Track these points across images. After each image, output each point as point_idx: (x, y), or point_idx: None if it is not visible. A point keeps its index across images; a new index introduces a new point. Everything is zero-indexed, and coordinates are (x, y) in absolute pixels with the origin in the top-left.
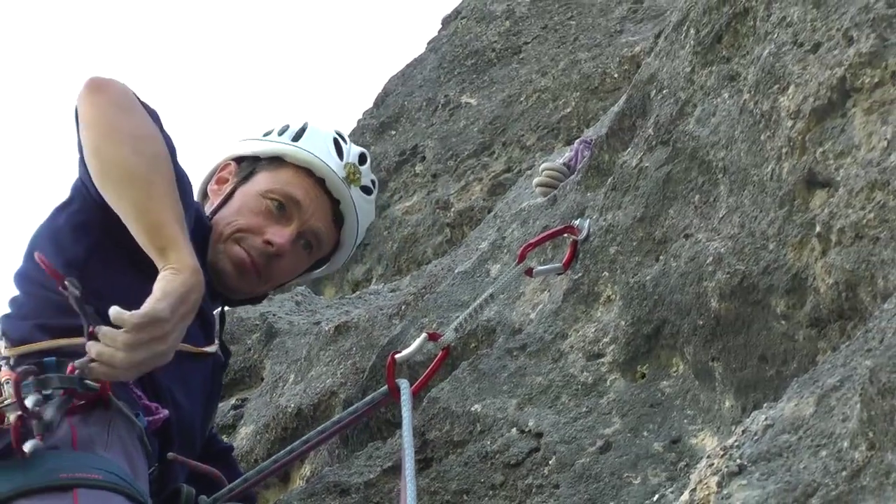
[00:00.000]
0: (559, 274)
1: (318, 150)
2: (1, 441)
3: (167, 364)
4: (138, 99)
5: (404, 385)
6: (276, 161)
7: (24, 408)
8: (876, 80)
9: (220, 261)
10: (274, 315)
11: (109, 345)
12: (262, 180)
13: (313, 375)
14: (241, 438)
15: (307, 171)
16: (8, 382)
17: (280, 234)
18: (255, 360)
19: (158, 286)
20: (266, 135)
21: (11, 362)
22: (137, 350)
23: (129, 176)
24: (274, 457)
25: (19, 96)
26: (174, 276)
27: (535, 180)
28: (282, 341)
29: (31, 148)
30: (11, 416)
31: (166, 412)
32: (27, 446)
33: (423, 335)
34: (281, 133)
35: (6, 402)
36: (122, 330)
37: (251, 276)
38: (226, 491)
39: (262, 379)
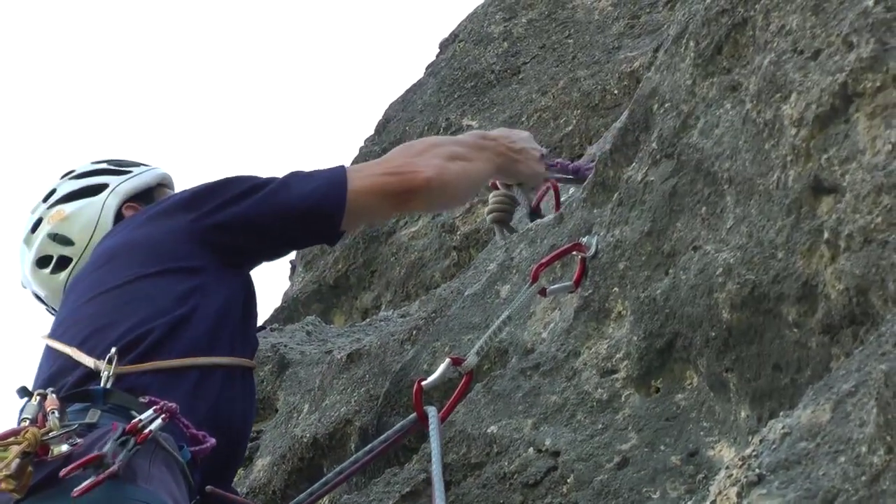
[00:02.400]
0: (570, 292)
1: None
2: (43, 470)
3: (238, 379)
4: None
5: (432, 412)
6: (159, 186)
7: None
8: (878, 84)
9: None
10: (285, 346)
11: None
12: None
13: (327, 404)
14: (258, 470)
15: (168, 186)
16: (54, 412)
17: None
18: (269, 392)
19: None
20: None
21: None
22: None
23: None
24: (309, 490)
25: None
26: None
27: (486, 209)
28: (294, 372)
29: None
30: (56, 450)
31: (213, 441)
32: (82, 486)
33: (447, 360)
34: (130, 166)
35: (52, 435)
36: None
37: None
38: None
39: (277, 410)
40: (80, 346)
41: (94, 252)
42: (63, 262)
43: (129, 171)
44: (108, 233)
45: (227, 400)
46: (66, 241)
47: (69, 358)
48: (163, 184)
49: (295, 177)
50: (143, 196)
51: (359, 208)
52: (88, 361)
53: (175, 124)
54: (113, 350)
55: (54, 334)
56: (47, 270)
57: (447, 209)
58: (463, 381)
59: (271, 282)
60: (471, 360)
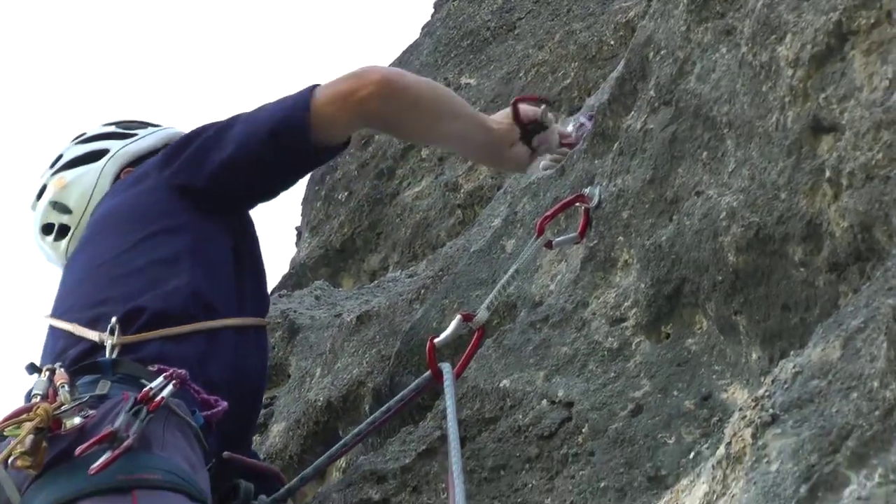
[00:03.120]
0: (576, 244)
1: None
2: (58, 445)
3: (252, 339)
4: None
5: (447, 369)
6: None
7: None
8: (872, 20)
9: None
10: (294, 311)
11: None
12: None
13: (339, 367)
14: (274, 436)
15: None
16: (63, 386)
17: None
18: (281, 358)
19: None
20: (122, 136)
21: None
22: None
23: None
24: (328, 453)
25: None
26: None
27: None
28: (305, 337)
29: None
30: (68, 423)
31: (225, 404)
32: (98, 463)
33: (458, 317)
34: (136, 128)
35: (64, 409)
36: None
37: None
38: (284, 491)
39: (289, 376)
40: (81, 322)
41: (89, 222)
42: (63, 230)
43: (135, 135)
44: (100, 201)
45: (240, 360)
46: (65, 209)
47: (71, 335)
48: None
49: (262, 106)
50: (148, 158)
51: (325, 117)
52: (92, 335)
53: (169, 95)
54: (114, 320)
55: (55, 312)
56: (50, 238)
57: (421, 129)
58: (475, 336)
59: (278, 249)
60: (481, 315)
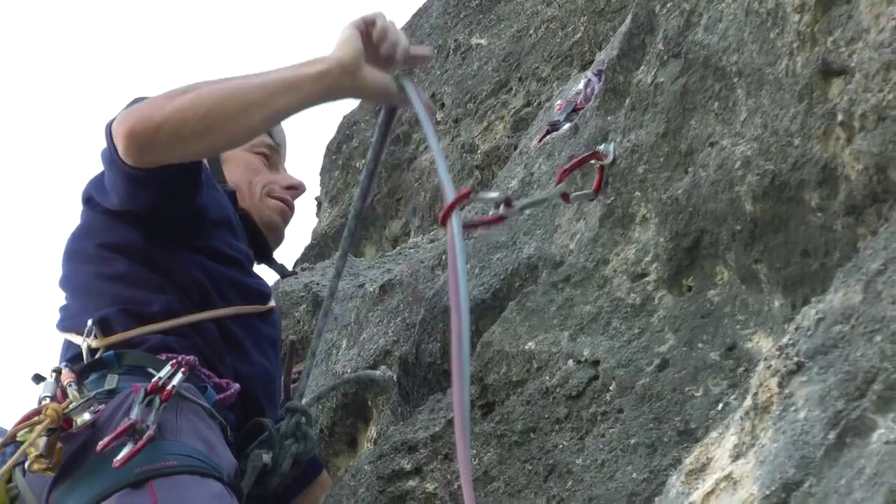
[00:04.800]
0: (591, 199)
1: None
2: (73, 444)
3: (246, 327)
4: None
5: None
6: None
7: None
8: None
9: (268, 216)
10: (318, 284)
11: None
12: None
13: (365, 338)
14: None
15: None
16: (71, 385)
17: (291, 178)
18: (306, 332)
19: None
20: None
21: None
22: None
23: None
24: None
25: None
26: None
27: None
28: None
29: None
30: (79, 420)
31: (237, 386)
32: (121, 456)
33: (501, 194)
34: None
35: (72, 407)
36: None
37: (290, 220)
38: (315, 398)
39: None
40: (72, 330)
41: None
42: None
43: None
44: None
45: (234, 349)
46: None
47: (69, 343)
48: None
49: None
50: None
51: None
52: (79, 340)
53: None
54: (90, 323)
55: (59, 325)
56: None
57: (214, 145)
58: (497, 217)
59: (299, 220)
60: (516, 206)
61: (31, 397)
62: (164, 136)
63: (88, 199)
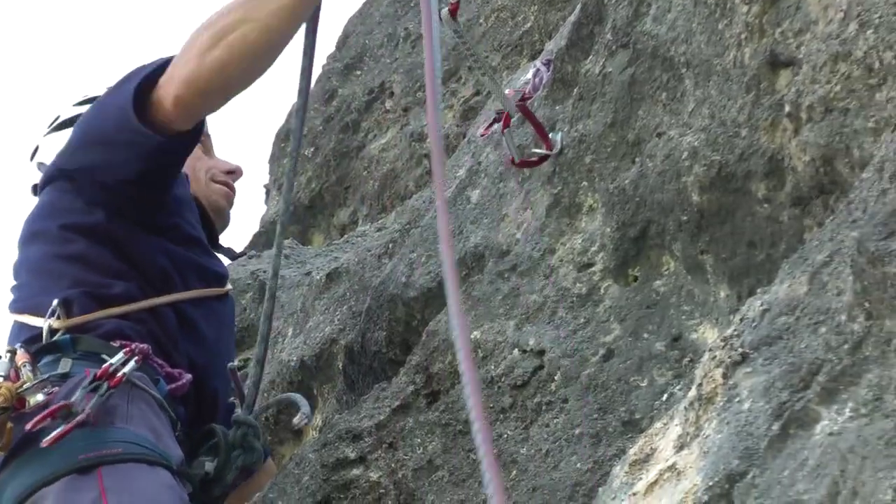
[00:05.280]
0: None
1: None
2: (23, 424)
3: (205, 310)
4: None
5: None
6: None
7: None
8: None
9: (215, 200)
10: (264, 272)
11: None
12: None
13: (311, 326)
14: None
15: None
16: (25, 366)
17: (228, 163)
18: (253, 320)
19: None
20: None
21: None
22: None
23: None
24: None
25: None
26: None
27: None
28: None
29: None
30: (32, 400)
31: (189, 377)
32: (50, 437)
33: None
34: None
35: (26, 387)
36: None
37: (233, 204)
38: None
39: None
40: (29, 311)
41: (38, 204)
42: None
43: None
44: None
45: (194, 333)
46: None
47: (24, 325)
48: None
49: (99, 106)
50: None
51: (158, 122)
52: (39, 322)
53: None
54: (55, 303)
55: (11, 307)
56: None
57: (254, 74)
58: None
59: (247, 207)
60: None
61: None
62: (214, 91)
63: (52, 178)
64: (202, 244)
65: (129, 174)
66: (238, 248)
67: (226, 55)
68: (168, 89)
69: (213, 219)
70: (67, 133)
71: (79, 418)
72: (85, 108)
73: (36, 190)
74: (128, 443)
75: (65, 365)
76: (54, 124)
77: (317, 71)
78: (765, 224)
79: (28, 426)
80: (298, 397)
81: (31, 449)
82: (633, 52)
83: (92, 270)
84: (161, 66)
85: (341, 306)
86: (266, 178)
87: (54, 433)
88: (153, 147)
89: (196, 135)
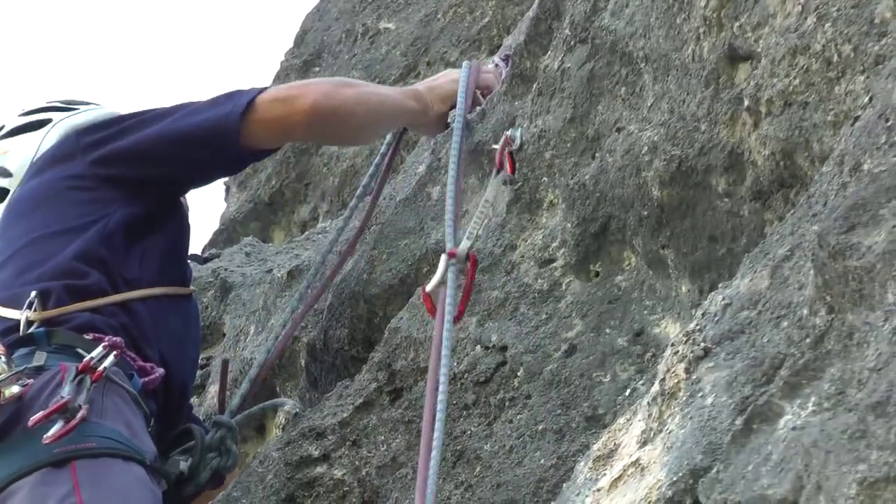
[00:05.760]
0: (508, 184)
1: None
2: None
3: (173, 307)
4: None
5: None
6: None
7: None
8: None
9: None
10: (226, 269)
11: None
12: None
13: (273, 324)
14: (212, 397)
15: None
16: (0, 358)
17: None
18: (214, 317)
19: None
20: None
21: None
22: None
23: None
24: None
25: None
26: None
27: None
28: (237, 294)
29: None
30: (7, 392)
31: (162, 371)
32: (52, 433)
33: (443, 256)
34: (78, 104)
35: (1, 378)
36: None
37: None
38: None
39: (224, 335)
40: (4, 304)
41: (12, 198)
42: (3, 193)
43: (76, 109)
44: (24, 175)
45: (165, 328)
46: (5, 173)
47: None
48: None
49: (195, 107)
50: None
51: (255, 135)
52: (14, 314)
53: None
54: (33, 294)
55: None
56: None
57: (350, 140)
58: (469, 266)
59: (208, 204)
60: (464, 245)
61: None
62: (337, 118)
63: (69, 155)
64: (176, 245)
65: (192, 176)
66: (199, 245)
67: (355, 96)
68: (299, 102)
69: None
70: (21, 138)
71: (80, 415)
72: (29, 118)
73: None
74: (102, 437)
75: (39, 358)
76: (2, 132)
77: (275, 67)
78: (725, 218)
79: (30, 423)
80: (281, 401)
81: (4, 442)
82: (592, 47)
83: (71, 260)
84: (261, 90)
85: (302, 303)
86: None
87: (55, 430)
88: (233, 158)
89: (264, 157)
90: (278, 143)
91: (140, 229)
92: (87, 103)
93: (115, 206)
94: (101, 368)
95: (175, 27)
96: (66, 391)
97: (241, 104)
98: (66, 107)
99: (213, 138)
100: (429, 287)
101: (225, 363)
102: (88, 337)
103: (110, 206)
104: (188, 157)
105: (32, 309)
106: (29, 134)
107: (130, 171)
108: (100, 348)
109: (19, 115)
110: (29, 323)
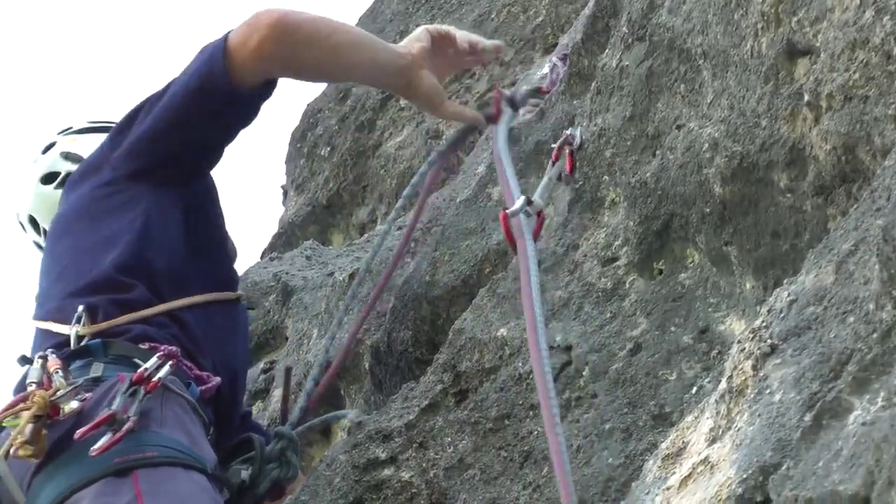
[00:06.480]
0: (567, 184)
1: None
2: (57, 431)
3: (221, 314)
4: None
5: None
6: None
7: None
8: None
9: None
10: (287, 273)
11: None
12: None
13: (325, 344)
14: (276, 401)
15: None
16: (57, 372)
17: None
18: (277, 322)
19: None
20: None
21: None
22: None
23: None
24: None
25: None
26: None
27: None
28: (299, 298)
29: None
30: (66, 408)
31: (218, 379)
32: (98, 445)
33: (522, 198)
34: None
35: (60, 394)
36: None
37: None
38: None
39: (287, 339)
40: (55, 319)
41: (57, 215)
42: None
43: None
44: (65, 188)
45: (215, 335)
46: (77, 159)
47: (49, 332)
48: None
49: (182, 72)
50: None
51: (237, 66)
52: (64, 329)
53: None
54: (80, 309)
55: (36, 315)
56: (51, 186)
57: (326, 68)
58: (538, 218)
59: (266, 209)
60: (538, 201)
61: None
62: (300, 37)
63: (98, 165)
64: (218, 248)
65: (206, 137)
66: (258, 249)
67: (326, 25)
68: (263, 17)
69: None
70: (90, 136)
71: (127, 427)
72: (96, 124)
73: (50, 179)
74: (162, 446)
75: (96, 369)
76: (71, 130)
77: None
78: (788, 214)
79: (77, 436)
80: (343, 413)
81: (65, 453)
82: (650, 44)
83: (112, 274)
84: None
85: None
86: (283, 180)
87: (102, 442)
88: (233, 100)
89: (265, 96)
90: (261, 68)
91: (173, 227)
92: None
93: (145, 202)
94: (155, 379)
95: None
96: (115, 403)
97: (218, 43)
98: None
99: (205, 84)
100: (509, 210)
101: (288, 372)
102: (144, 346)
103: (140, 202)
104: (192, 116)
105: (81, 323)
106: (98, 134)
107: (150, 158)
108: (154, 358)
109: (88, 122)
110: (79, 337)
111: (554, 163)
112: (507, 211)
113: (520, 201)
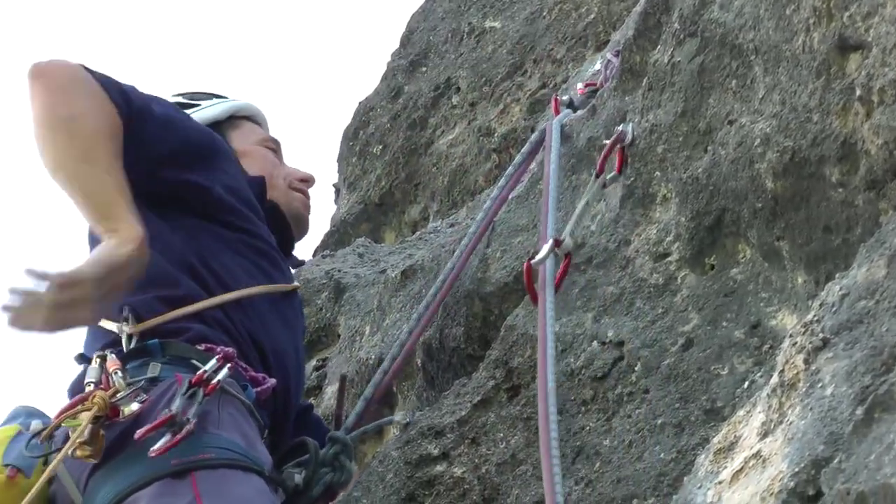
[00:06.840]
0: (616, 182)
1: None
2: (114, 431)
3: (272, 308)
4: (85, 70)
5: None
6: (231, 119)
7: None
8: None
9: (296, 208)
10: (339, 271)
11: (29, 300)
12: (242, 136)
13: (388, 324)
14: (329, 398)
15: (251, 119)
16: (116, 373)
17: (302, 171)
18: (329, 319)
19: (95, 251)
20: (186, 106)
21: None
22: (57, 310)
23: (66, 163)
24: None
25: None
26: (114, 246)
27: None
28: (351, 295)
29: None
30: (126, 410)
31: (273, 381)
32: (158, 446)
33: (550, 241)
34: (201, 99)
35: (120, 396)
36: (45, 286)
37: (310, 211)
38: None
39: (339, 336)
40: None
41: None
42: None
43: (198, 105)
44: None
45: (263, 334)
46: None
47: (97, 329)
48: (237, 115)
49: None
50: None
51: None
52: (112, 326)
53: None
54: (126, 310)
55: None
56: None
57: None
58: (564, 262)
59: (318, 206)
60: (567, 242)
61: None
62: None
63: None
64: (268, 247)
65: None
66: (310, 247)
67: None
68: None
69: (293, 226)
70: None
71: (187, 429)
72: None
73: None
74: (220, 448)
75: (153, 369)
76: None
77: (381, 69)
78: (840, 209)
79: (136, 436)
80: (391, 418)
81: (123, 454)
82: (702, 40)
83: (156, 270)
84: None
85: (417, 304)
86: (335, 178)
87: (161, 443)
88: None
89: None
90: None
91: (202, 211)
92: (212, 96)
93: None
94: (214, 381)
95: (282, 31)
96: (175, 405)
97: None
98: (189, 102)
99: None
100: (533, 262)
101: (342, 379)
102: (201, 348)
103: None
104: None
105: (128, 321)
106: None
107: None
108: (213, 360)
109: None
110: (129, 336)
111: (598, 175)
112: (532, 262)
113: (546, 248)
